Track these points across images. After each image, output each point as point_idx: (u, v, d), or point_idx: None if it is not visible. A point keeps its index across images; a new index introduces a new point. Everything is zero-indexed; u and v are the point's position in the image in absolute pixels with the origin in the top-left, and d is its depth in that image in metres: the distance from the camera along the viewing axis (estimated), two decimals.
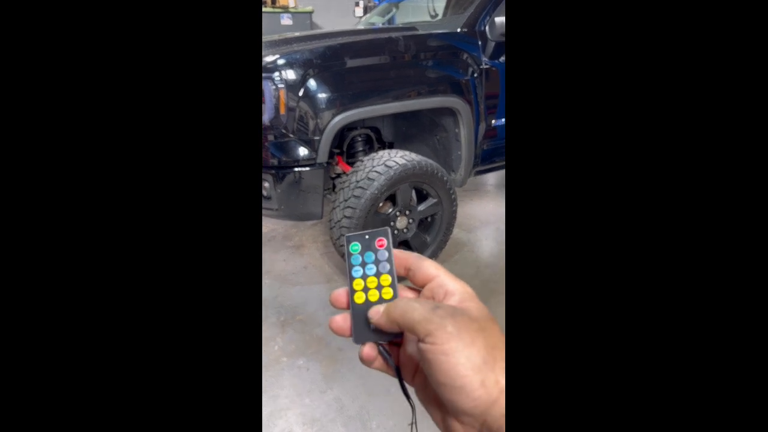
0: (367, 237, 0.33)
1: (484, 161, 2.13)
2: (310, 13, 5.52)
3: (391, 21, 2.87)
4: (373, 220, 1.71)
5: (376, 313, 0.30)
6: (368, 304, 0.31)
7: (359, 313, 0.31)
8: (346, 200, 1.67)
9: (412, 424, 0.32)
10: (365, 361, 0.31)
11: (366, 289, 0.32)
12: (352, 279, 0.32)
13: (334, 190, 1.98)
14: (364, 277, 0.32)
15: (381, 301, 0.31)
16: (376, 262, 0.32)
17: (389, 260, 0.32)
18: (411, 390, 0.32)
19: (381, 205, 1.74)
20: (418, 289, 0.32)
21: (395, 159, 1.70)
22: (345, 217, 1.67)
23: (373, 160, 1.71)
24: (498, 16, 1.96)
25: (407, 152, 1.77)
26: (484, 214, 2.64)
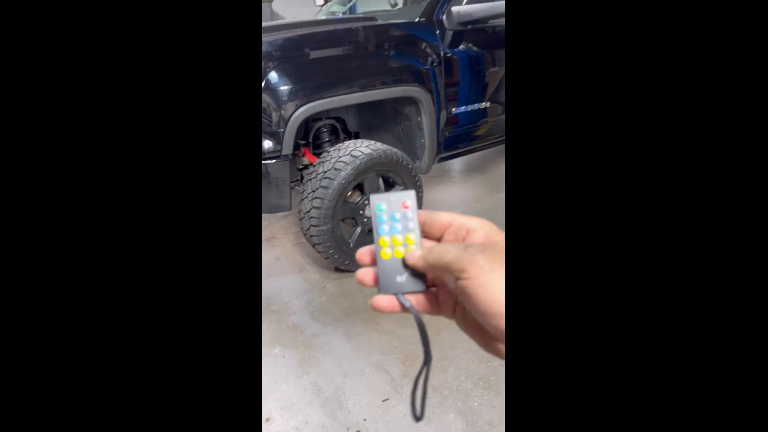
0: (392, 198, 0.36)
1: (447, 148, 2.20)
2: (270, 2, 5.40)
3: (352, 10, 2.87)
4: (342, 209, 1.75)
5: (411, 257, 0.33)
6: (395, 260, 0.34)
7: (386, 267, 0.34)
8: (314, 191, 1.70)
9: (421, 372, 0.34)
10: (377, 308, 0.34)
11: (392, 246, 0.35)
12: (378, 236, 0.35)
13: (301, 181, 2.00)
14: (391, 235, 0.35)
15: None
16: (402, 221, 0.35)
17: (414, 220, 0.35)
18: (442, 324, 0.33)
19: (350, 194, 1.78)
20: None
21: (361, 149, 1.73)
22: (314, 207, 1.70)
23: (339, 150, 1.74)
24: (455, 5, 2.01)
25: (372, 142, 1.81)
26: (450, 199, 2.72)
